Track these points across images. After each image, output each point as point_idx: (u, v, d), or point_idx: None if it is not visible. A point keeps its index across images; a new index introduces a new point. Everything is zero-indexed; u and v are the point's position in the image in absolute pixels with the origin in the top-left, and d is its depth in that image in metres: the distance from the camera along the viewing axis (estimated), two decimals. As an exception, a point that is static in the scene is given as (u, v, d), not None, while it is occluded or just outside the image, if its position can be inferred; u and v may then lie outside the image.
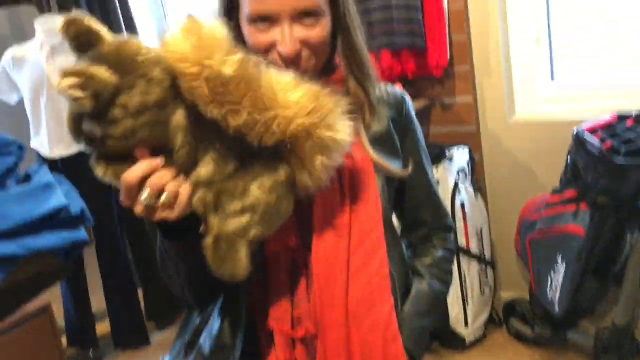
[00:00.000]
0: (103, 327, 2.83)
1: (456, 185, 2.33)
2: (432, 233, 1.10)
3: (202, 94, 0.72)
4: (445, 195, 2.33)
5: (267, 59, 0.85)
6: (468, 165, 2.38)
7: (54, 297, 2.28)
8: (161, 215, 0.75)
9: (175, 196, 0.75)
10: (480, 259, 2.43)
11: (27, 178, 1.91)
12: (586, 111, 2.23)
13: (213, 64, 0.72)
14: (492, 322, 2.56)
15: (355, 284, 0.91)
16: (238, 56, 0.74)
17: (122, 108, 0.70)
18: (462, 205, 2.34)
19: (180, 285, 0.90)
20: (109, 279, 2.73)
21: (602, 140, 1.76)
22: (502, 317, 2.52)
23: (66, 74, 0.67)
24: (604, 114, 1.94)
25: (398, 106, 1.04)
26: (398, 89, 1.07)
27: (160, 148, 0.75)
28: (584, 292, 1.96)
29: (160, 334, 2.89)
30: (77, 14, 0.72)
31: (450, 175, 2.32)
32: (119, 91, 0.70)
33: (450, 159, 2.31)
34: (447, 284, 1.09)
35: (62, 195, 1.86)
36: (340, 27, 0.92)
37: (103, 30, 0.73)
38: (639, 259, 1.85)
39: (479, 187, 2.47)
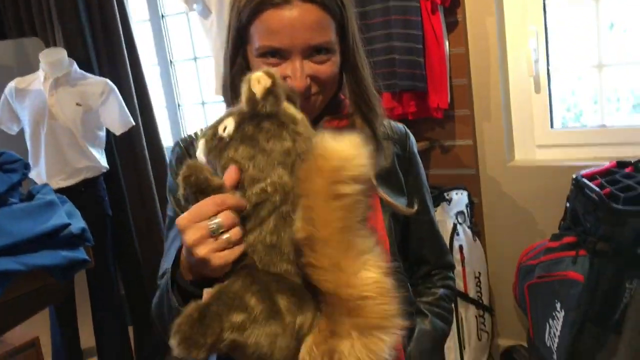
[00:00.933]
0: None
1: (455, 228, 2.32)
2: (434, 271, 1.09)
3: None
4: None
5: None
6: (467, 207, 2.37)
7: (42, 331, 2.24)
8: (220, 254, 0.72)
9: (239, 240, 0.73)
10: (478, 303, 2.40)
11: (30, 196, 1.89)
12: (585, 158, 2.24)
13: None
14: (489, 370, 2.51)
15: None
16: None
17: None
18: (460, 248, 2.32)
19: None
20: (99, 314, 2.68)
21: (601, 186, 1.76)
22: (499, 364, 2.48)
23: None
24: (602, 161, 1.95)
25: (402, 142, 1.04)
26: (401, 125, 1.08)
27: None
28: (583, 341, 1.92)
29: (149, 373, 2.82)
30: (195, 163, 0.74)
31: (448, 217, 2.31)
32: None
33: (449, 201, 2.31)
34: (449, 321, 1.07)
35: (64, 214, 1.84)
36: (348, 63, 0.93)
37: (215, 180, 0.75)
38: (639, 307, 1.83)
39: (477, 230, 2.45)
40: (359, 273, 0.67)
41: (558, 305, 1.91)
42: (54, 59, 2.56)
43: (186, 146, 1.00)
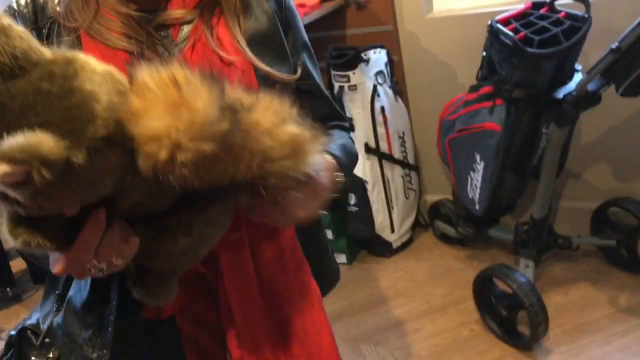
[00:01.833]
0: (19, 265, 2.69)
1: (375, 89, 2.23)
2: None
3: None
4: (364, 100, 2.23)
5: None
6: (386, 67, 2.27)
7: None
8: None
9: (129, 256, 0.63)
10: (403, 163, 2.39)
11: None
12: (504, 2, 2.14)
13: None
14: (420, 226, 2.56)
15: None
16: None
17: None
18: (382, 109, 2.25)
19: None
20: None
21: (516, 31, 1.68)
22: (427, 220, 2.52)
23: None
24: (520, 4, 1.86)
25: None
26: None
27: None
28: (503, 189, 1.94)
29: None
30: None
31: (368, 78, 2.22)
32: None
33: (367, 62, 2.20)
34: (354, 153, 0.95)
35: None
36: None
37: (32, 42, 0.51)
38: (555, 151, 1.84)
39: (398, 89, 2.38)
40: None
41: (478, 157, 1.90)
42: None
43: None
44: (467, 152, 1.94)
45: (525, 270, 1.95)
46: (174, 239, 0.65)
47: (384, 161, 2.31)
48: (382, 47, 2.25)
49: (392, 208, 2.37)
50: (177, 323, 0.83)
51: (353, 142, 0.96)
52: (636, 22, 1.44)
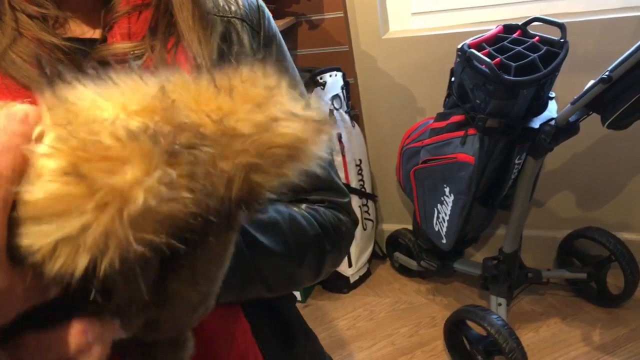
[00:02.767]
0: None
1: (331, 114, 2.06)
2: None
3: None
4: (319, 127, 2.06)
5: None
6: (342, 90, 2.11)
7: None
8: None
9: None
10: (360, 192, 2.23)
11: None
12: (466, 24, 2.04)
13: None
14: (376, 257, 2.41)
15: None
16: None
17: None
18: (340, 137, 2.09)
19: None
20: None
21: (490, 56, 1.56)
22: (385, 251, 2.38)
23: None
24: (485, 26, 1.74)
25: (253, 20, 0.70)
26: None
27: None
28: (471, 222, 1.82)
29: None
30: None
31: (323, 104, 2.05)
32: None
33: (323, 85, 2.03)
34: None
35: None
36: None
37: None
38: (528, 182, 1.73)
39: (355, 114, 2.23)
40: None
41: (447, 190, 1.77)
42: None
43: None
44: (435, 184, 1.80)
45: (498, 309, 1.83)
46: (182, 298, 0.46)
47: (340, 191, 2.14)
48: (338, 69, 2.08)
49: (350, 241, 2.20)
50: None
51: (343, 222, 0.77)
52: (630, 50, 1.34)
